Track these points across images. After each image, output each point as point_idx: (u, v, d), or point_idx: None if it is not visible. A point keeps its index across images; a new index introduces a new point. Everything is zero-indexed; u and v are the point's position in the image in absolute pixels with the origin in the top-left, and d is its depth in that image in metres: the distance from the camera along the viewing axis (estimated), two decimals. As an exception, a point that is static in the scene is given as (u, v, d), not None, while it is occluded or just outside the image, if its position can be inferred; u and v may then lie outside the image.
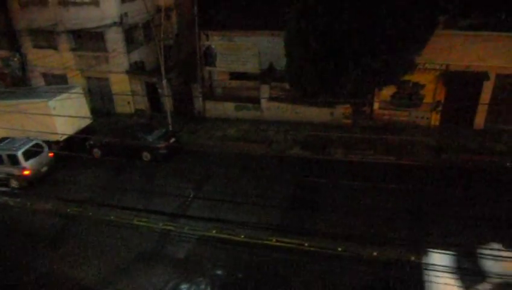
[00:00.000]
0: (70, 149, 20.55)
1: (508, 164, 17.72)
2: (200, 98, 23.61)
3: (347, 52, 15.15)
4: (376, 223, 14.08)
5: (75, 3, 23.70)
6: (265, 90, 22.25)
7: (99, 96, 26.15)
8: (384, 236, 13.35)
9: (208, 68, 23.56)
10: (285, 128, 21.84)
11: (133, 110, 25.74)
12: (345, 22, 14.47)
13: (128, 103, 25.51)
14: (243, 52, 22.42)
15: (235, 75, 23.73)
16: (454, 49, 19.15)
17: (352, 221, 14.29)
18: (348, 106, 20.12)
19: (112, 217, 15.72)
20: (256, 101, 22.83)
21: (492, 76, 19.32)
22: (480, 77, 19.36)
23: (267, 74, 22.16)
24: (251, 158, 19.60)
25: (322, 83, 16.30)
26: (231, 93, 24.08)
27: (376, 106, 21.21)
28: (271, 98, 22.36)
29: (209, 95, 24.19)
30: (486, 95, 19.88)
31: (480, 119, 20.47)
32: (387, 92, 20.44)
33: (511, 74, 19.30)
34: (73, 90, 21.55)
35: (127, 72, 24.60)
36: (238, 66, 22.83)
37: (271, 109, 22.55)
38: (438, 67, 19.61)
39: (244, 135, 21.66)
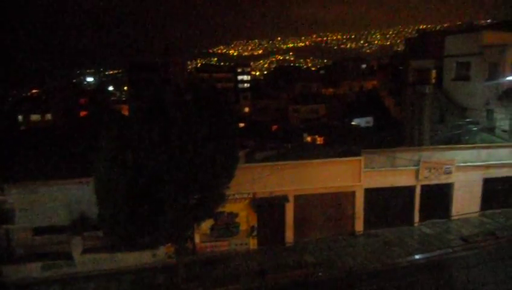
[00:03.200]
0: None
1: (319, 274, 19.73)
2: (-6, 263, 19.72)
3: (161, 194, 15.41)
4: None
5: None
6: (77, 243, 20.22)
7: None
8: None
9: (4, 227, 20.32)
10: (105, 281, 19.75)
11: None
12: (154, 166, 14.99)
13: None
14: (48, 204, 20.45)
15: (41, 230, 21.04)
16: (257, 179, 21.69)
17: None
18: (170, 244, 19.80)
19: None
20: (68, 256, 20.35)
21: (291, 198, 22.33)
22: (282, 200, 22.10)
23: (79, 224, 20.42)
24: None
25: (138, 227, 15.82)
26: (37, 251, 20.95)
27: (197, 240, 21.56)
28: (85, 250, 20.36)
29: (7, 258, 20.47)
30: (289, 214, 22.61)
31: (289, 236, 22.79)
32: (206, 225, 21.14)
33: (304, 195, 22.66)
34: None
35: None
36: (43, 219, 20.49)
37: (86, 262, 20.33)
38: (246, 196, 21.66)
39: (54, 299, 18.58)
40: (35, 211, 20.56)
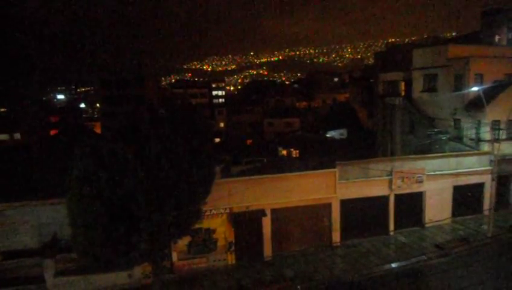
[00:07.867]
0: None
1: (298, 287, 19.69)
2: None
3: (137, 212, 15.15)
4: None
5: None
6: (50, 266, 19.52)
7: None
8: None
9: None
10: (79, 304, 19.12)
11: None
12: (129, 184, 14.75)
13: None
14: (18, 226, 19.77)
15: (11, 254, 20.24)
16: (234, 193, 21.63)
17: None
18: (146, 264, 19.39)
19: None
20: (40, 279, 19.61)
21: (268, 212, 22.35)
22: (259, 214, 22.08)
23: (51, 247, 19.78)
24: None
25: (113, 247, 15.44)
26: (7, 276, 20.10)
27: (175, 258, 21.21)
28: (58, 273, 19.67)
29: (-26, 284, 19.60)
30: (267, 228, 22.59)
31: (267, 250, 22.73)
32: (183, 242, 20.84)
33: (281, 208, 22.72)
34: None
35: None
36: (12, 243, 19.77)
37: (59, 285, 19.61)
38: (223, 211, 21.55)
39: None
40: (5, 234, 19.85)
